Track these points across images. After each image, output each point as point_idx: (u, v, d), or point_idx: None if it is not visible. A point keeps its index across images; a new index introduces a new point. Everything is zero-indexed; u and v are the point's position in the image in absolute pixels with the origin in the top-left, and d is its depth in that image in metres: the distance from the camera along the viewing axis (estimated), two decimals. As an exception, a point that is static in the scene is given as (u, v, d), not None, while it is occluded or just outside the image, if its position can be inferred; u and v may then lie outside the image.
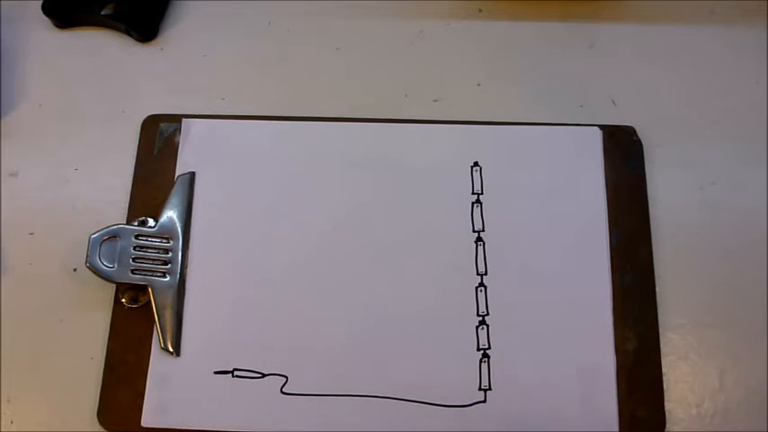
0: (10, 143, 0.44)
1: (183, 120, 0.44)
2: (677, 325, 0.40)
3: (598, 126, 0.44)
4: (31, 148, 0.44)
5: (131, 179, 0.43)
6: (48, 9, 0.47)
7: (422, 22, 0.48)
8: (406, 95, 0.46)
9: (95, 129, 0.45)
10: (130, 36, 0.47)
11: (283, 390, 0.38)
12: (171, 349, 0.39)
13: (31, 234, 0.42)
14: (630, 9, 0.49)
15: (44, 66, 0.47)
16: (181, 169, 0.43)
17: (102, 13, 0.47)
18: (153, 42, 0.48)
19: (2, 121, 0.45)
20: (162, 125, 0.44)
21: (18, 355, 0.40)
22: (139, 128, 0.44)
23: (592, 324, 0.39)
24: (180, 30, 0.48)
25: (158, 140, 0.44)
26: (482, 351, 0.39)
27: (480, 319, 0.40)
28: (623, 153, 0.44)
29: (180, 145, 0.43)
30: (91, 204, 0.43)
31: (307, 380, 0.38)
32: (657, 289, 0.41)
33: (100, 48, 0.47)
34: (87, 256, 0.39)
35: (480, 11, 0.49)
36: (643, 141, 0.44)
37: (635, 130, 0.44)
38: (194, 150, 0.43)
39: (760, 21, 0.48)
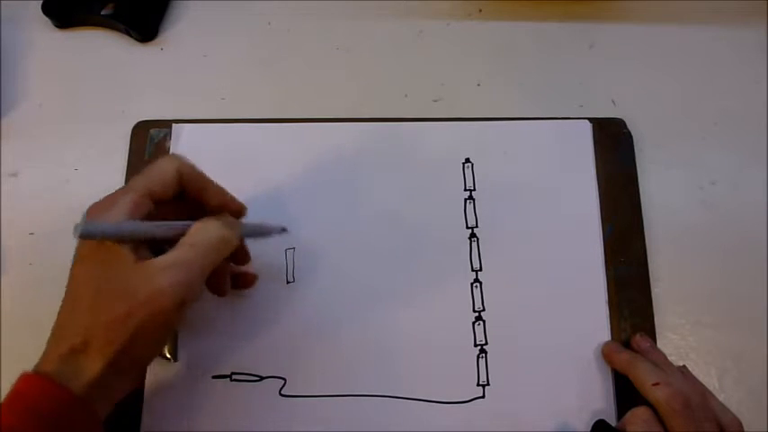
0: (10, 143, 0.44)
1: (173, 125, 0.44)
2: (677, 325, 0.40)
3: (588, 119, 0.44)
4: (31, 148, 0.44)
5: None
6: (48, 9, 0.47)
7: (422, 22, 0.48)
8: (406, 95, 0.46)
9: (95, 129, 0.45)
10: (130, 36, 0.47)
11: (282, 392, 0.38)
12: (168, 355, 0.38)
13: (31, 234, 0.42)
14: (630, 9, 0.49)
15: (44, 66, 0.47)
16: None
17: (102, 13, 0.47)
18: (153, 42, 0.48)
19: (2, 121, 0.45)
20: (152, 131, 0.44)
21: (18, 355, 0.40)
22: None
23: (588, 317, 0.40)
24: (180, 30, 0.48)
25: (149, 146, 0.43)
26: (479, 347, 0.39)
27: (476, 315, 0.40)
28: (614, 145, 0.44)
29: (171, 150, 0.43)
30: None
31: (305, 381, 0.38)
32: (657, 290, 0.41)
33: (100, 48, 0.47)
34: None
35: (480, 11, 0.49)
36: (643, 141, 0.44)
37: (625, 123, 0.44)
38: (185, 155, 0.43)
39: (760, 21, 0.48)
